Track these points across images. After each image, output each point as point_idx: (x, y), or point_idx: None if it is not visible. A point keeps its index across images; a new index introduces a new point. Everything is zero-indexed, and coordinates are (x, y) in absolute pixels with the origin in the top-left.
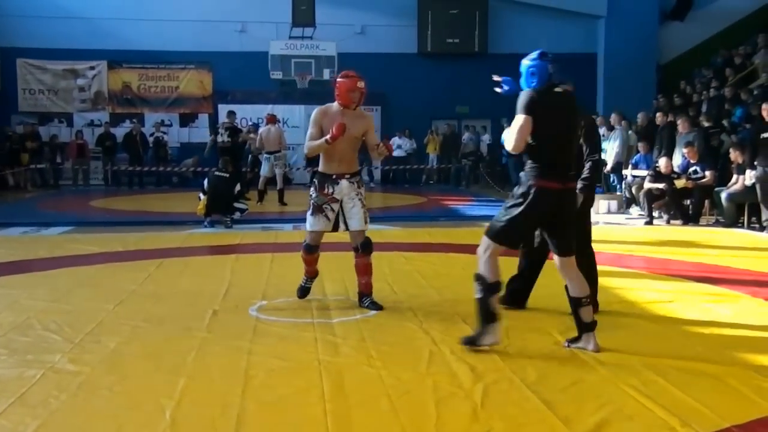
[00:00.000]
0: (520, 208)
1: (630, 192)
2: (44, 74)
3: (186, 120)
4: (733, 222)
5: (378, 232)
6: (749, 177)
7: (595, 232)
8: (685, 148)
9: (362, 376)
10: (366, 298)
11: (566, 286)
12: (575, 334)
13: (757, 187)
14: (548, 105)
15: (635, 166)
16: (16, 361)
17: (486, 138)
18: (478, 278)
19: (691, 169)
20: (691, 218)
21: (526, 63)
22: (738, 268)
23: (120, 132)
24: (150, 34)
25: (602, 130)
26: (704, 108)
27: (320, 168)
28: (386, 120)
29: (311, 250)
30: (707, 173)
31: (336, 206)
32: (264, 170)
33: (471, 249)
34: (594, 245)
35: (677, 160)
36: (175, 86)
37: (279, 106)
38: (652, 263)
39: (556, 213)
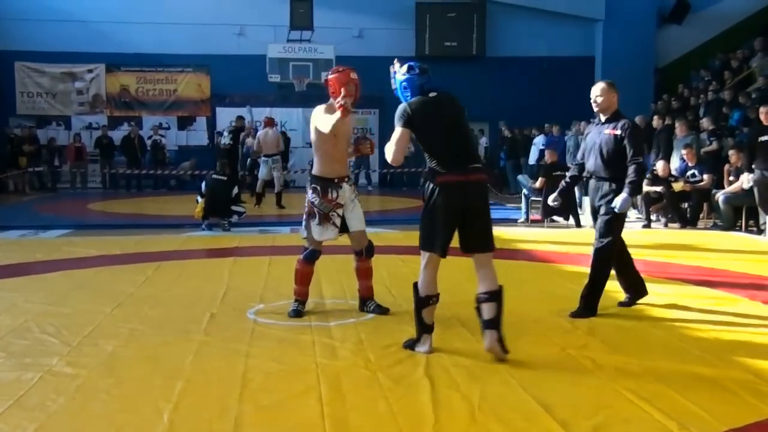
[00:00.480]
0: (428, 211)
1: None
2: (42, 77)
3: (184, 123)
4: (731, 225)
5: (376, 235)
6: (747, 180)
7: (593, 236)
8: (683, 150)
9: (360, 379)
10: (370, 302)
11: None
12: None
13: (755, 190)
14: (425, 112)
15: None
16: (14, 364)
17: (483, 141)
18: (413, 289)
19: (689, 173)
20: (689, 221)
21: (398, 78)
22: (736, 271)
23: (118, 135)
24: (148, 37)
25: None
26: (702, 111)
27: (319, 172)
28: (384, 123)
29: (313, 257)
30: (705, 176)
31: (341, 211)
32: (262, 173)
33: None
34: (592, 249)
35: (675, 164)
36: (173, 89)
37: (277, 109)
38: (649, 266)
39: (465, 207)
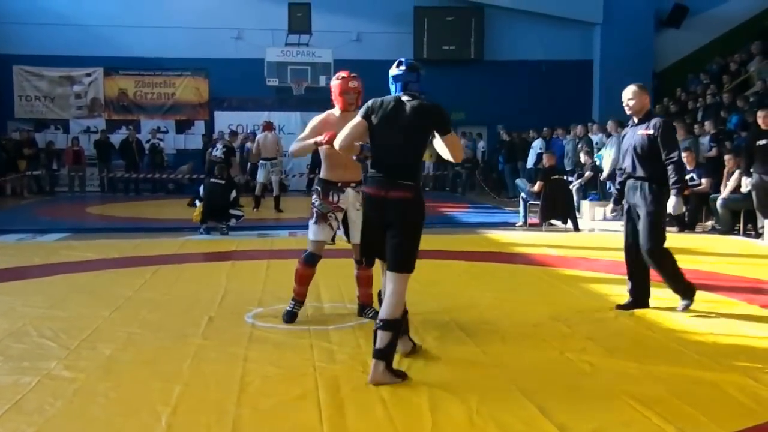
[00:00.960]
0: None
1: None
2: (40, 81)
3: (182, 127)
4: (729, 229)
5: None
6: (745, 184)
7: (592, 239)
8: (682, 153)
9: (358, 383)
10: (369, 309)
11: (379, 292)
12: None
13: (753, 194)
14: (383, 114)
15: None
16: (12, 368)
17: (482, 145)
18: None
19: (687, 176)
20: (687, 225)
21: (390, 73)
22: (734, 275)
23: (116, 139)
24: (146, 41)
25: (599, 137)
26: (700, 115)
27: (323, 175)
28: None
29: (313, 260)
30: (704, 180)
31: (340, 215)
32: (260, 177)
33: (467, 256)
34: (590, 252)
35: None
36: (171, 93)
37: (275, 113)
38: None
39: (382, 222)
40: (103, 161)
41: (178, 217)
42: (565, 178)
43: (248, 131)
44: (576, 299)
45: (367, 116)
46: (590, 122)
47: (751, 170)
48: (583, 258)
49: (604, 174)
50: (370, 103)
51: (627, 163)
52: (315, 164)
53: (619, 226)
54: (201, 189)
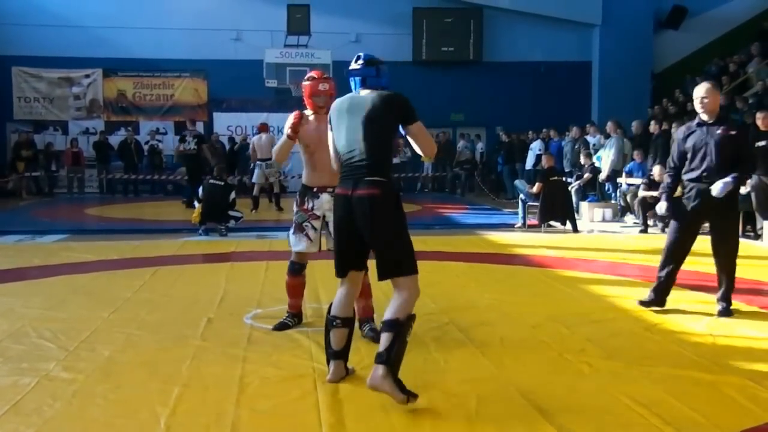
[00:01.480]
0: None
1: (625, 200)
2: (39, 82)
3: (181, 128)
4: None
5: None
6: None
7: (591, 241)
8: None
9: (357, 384)
10: (366, 324)
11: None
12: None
13: (752, 195)
14: (340, 112)
15: (629, 174)
16: (11, 369)
17: (480, 146)
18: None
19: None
20: None
21: (350, 67)
22: None
23: (115, 140)
24: (145, 42)
25: (597, 139)
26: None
27: (303, 179)
28: None
29: (295, 270)
30: None
31: (317, 223)
32: (255, 178)
33: (466, 257)
34: (589, 253)
35: None
36: (170, 94)
37: (274, 114)
38: (647, 272)
39: (352, 225)
40: (102, 162)
41: (177, 218)
42: (564, 179)
43: (246, 132)
44: (575, 300)
45: (330, 122)
46: (589, 123)
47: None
48: (582, 259)
49: (603, 175)
50: (332, 107)
51: (701, 165)
52: None
53: (619, 227)
54: (200, 190)
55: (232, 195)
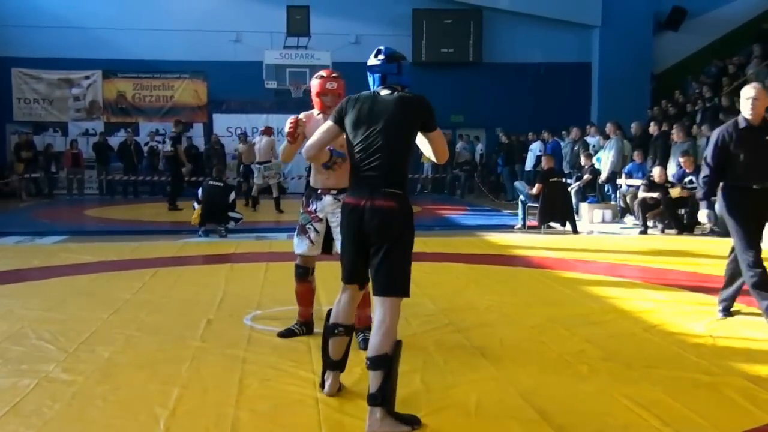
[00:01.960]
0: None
1: (624, 201)
2: (39, 83)
3: None
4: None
5: None
6: None
7: (591, 242)
8: (681, 157)
9: (356, 385)
10: (360, 333)
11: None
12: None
13: None
14: (359, 112)
15: (629, 176)
16: (10, 371)
17: (480, 147)
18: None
19: (686, 179)
20: (685, 228)
21: (368, 63)
22: None
23: (115, 141)
24: (145, 43)
25: (596, 140)
26: (699, 118)
27: (311, 180)
28: None
29: (300, 273)
30: None
31: (320, 226)
32: (257, 179)
33: (466, 258)
34: (589, 255)
35: (672, 170)
36: (169, 95)
37: (273, 115)
38: (646, 273)
39: (362, 237)
40: (102, 164)
41: (176, 219)
42: (563, 180)
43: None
44: (574, 302)
45: (339, 119)
46: (589, 125)
47: None
48: (582, 260)
49: (603, 176)
50: (343, 102)
51: (758, 170)
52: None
53: (618, 228)
54: (199, 192)
55: (232, 196)
